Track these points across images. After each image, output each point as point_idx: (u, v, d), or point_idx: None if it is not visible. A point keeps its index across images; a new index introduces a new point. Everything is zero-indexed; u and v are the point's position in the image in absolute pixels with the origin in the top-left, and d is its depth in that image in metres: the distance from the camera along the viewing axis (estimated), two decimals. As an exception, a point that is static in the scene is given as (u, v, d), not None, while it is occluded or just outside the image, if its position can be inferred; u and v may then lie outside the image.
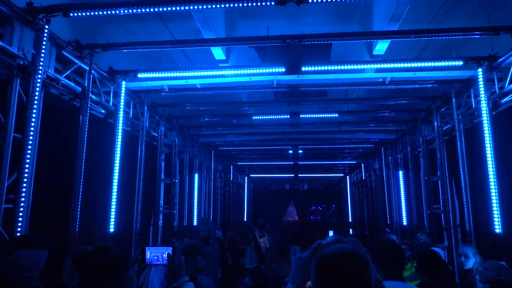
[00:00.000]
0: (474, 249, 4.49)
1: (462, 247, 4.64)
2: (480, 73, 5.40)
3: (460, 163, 6.27)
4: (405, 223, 9.85)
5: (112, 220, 5.24)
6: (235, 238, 7.70)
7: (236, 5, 3.60)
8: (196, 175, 10.26)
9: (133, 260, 2.24)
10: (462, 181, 6.22)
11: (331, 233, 12.19)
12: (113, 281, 1.62)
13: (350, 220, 19.07)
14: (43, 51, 3.97)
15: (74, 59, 4.77)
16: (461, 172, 6.24)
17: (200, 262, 3.34)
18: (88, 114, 4.78)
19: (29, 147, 3.76)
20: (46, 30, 4.01)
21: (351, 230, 16.61)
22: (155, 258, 2.18)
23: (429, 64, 5.55)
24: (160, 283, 4.06)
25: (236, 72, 5.45)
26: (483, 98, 5.39)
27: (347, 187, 20.57)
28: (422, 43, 6.52)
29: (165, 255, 2.12)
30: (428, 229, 7.79)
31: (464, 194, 6.21)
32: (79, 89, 4.80)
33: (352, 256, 1.35)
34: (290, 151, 13.06)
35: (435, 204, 7.72)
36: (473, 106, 6.05)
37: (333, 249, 1.40)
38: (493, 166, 5.25)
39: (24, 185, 3.67)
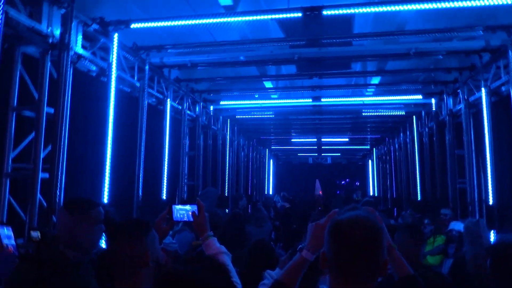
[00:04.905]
0: None
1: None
2: None
3: (486, 137, 6.14)
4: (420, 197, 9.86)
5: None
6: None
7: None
8: (220, 149, 10.48)
9: (161, 218, 2.39)
10: (487, 156, 6.11)
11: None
12: (136, 242, 1.79)
13: (372, 194, 19.02)
14: (70, 29, 4.14)
15: (99, 36, 4.93)
16: (487, 146, 6.12)
17: None
18: (114, 89, 4.97)
19: (62, 120, 3.99)
20: (72, 9, 4.15)
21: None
22: (181, 216, 2.32)
23: (457, 34, 5.38)
24: (185, 247, 4.31)
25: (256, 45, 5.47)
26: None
27: (371, 161, 20.41)
28: (452, 12, 6.27)
29: (190, 213, 2.24)
30: (451, 204, 7.75)
31: (489, 169, 6.11)
32: (105, 65, 4.98)
33: (365, 223, 1.38)
34: (313, 126, 13.03)
35: (460, 178, 7.63)
36: (502, 77, 5.83)
37: (347, 216, 1.44)
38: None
39: (59, 157, 3.93)
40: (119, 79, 5.31)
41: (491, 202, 6.05)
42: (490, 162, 6.08)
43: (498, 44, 5.56)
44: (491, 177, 6.05)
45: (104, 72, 5.05)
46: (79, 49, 4.52)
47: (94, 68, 4.93)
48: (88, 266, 2.42)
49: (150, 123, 6.40)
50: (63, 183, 4.03)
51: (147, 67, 6.00)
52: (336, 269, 1.39)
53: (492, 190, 6.02)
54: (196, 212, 2.19)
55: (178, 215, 2.28)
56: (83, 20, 4.59)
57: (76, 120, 4.58)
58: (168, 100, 6.91)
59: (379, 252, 1.36)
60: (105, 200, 4.63)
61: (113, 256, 1.82)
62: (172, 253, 4.46)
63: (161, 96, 6.88)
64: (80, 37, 4.57)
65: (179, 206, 2.29)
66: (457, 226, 5.92)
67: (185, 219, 2.25)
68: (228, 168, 11.58)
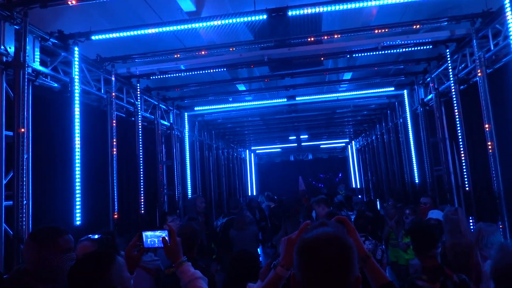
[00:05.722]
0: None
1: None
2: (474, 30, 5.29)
3: (458, 124, 6.23)
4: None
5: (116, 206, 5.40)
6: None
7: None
8: (197, 155, 10.33)
9: (131, 245, 2.28)
10: (460, 142, 6.21)
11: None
12: (100, 278, 1.68)
13: (354, 186, 19.21)
14: (25, 45, 3.93)
15: (59, 50, 4.72)
16: (459, 133, 6.21)
17: None
18: (79, 104, 4.77)
19: (22, 143, 3.78)
20: (26, 24, 3.94)
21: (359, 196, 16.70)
22: (152, 243, 2.21)
23: (423, 25, 5.43)
24: (168, 262, 4.16)
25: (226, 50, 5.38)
26: (477, 57, 5.29)
27: (350, 154, 20.65)
28: (416, 5, 6.34)
29: (161, 239, 2.14)
30: (430, 192, 7.86)
31: (463, 155, 6.20)
32: (67, 80, 4.78)
33: (333, 241, 1.33)
34: (291, 125, 13.03)
35: (436, 166, 7.74)
36: (469, 65, 5.93)
37: (314, 234, 1.37)
38: (492, 125, 5.20)
39: (22, 182, 3.72)
40: (84, 93, 5.11)
41: (467, 188, 6.15)
42: (463, 148, 6.18)
43: (463, 34, 5.65)
44: (466, 163, 6.15)
45: (68, 87, 4.84)
46: (37, 66, 4.30)
47: (56, 84, 4.72)
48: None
49: (123, 136, 6.22)
50: (30, 209, 3.83)
51: (113, 79, 5.80)
52: None
53: (467, 176, 6.12)
54: (167, 238, 2.08)
55: (149, 241, 2.17)
56: (40, 35, 4.37)
57: (42, 140, 4.37)
58: (139, 110, 6.71)
59: (349, 270, 1.30)
60: (78, 221, 4.43)
61: None
62: (154, 271, 4.31)
63: (131, 107, 6.68)
64: (37, 53, 4.35)
65: (150, 233, 2.18)
66: (435, 214, 5.99)
67: (157, 245, 2.14)
68: (209, 173, 11.45)
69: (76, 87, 4.71)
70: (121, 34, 4.79)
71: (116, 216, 5.55)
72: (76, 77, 4.73)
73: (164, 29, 4.72)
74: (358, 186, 18.86)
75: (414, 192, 9.02)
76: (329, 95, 9.17)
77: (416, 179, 8.91)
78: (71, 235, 2.34)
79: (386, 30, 5.59)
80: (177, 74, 6.68)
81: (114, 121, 5.64)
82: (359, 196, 15.68)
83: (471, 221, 5.78)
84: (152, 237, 2.21)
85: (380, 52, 6.28)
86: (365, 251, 1.73)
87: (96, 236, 2.92)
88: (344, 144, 22.06)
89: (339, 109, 11.07)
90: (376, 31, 5.64)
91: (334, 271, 1.29)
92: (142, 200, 6.51)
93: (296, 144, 20.05)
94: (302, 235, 1.45)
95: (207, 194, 11.04)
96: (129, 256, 2.21)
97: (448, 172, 7.24)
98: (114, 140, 5.65)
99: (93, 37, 4.73)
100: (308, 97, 9.17)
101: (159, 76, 6.48)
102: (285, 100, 8.94)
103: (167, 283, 3.70)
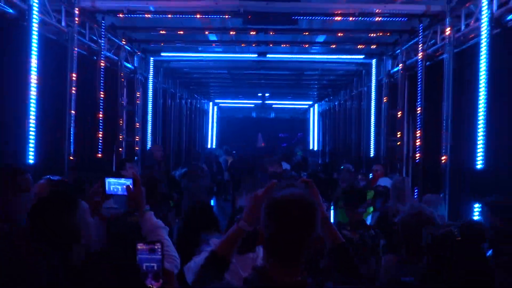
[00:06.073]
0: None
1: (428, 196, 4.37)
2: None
3: (419, 98, 6.49)
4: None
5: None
6: None
7: None
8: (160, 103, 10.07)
9: (93, 191, 2.24)
10: (418, 116, 6.50)
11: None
12: (64, 218, 1.65)
13: (311, 148, 19.79)
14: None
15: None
16: (418, 107, 6.49)
17: None
18: (37, 35, 4.40)
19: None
20: None
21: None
22: (115, 190, 2.17)
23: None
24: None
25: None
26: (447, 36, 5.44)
27: (312, 117, 21.04)
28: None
29: (125, 187, 2.10)
30: (383, 160, 8.30)
31: (418, 129, 6.52)
32: (25, 7, 4.35)
33: (302, 201, 1.38)
34: (257, 81, 12.92)
35: (393, 137, 8.11)
36: (438, 42, 6.09)
37: (283, 194, 1.42)
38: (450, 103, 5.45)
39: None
40: (43, 24, 4.70)
41: (417, 160, 6.54)
42: (420, 122, 6.49)
43: (438, 10, 5.74)
44: (420, 137, 6.49)
45: (25, 15, 4.41)
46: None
47: (11, 10, 4.28)
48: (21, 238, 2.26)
49: (83, 75, 5.88)
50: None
51: (76, 11, 5.37)
52: (271, 247, 1.39)
53: (419, 149, 6.48)
54: (132, 186, 2.05)
55: (112, 188, 2.13)
56: None
57: None
58: (102, 49, 6.33)
59: (314, 228, 1.38)
60: (31, 160, 4.25)
61: (42, 231, 1.69)
62: (111, 218, 4.30)
63: (94, 46, 6.28)
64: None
65: (113, 180, 2.13)
66: (384, 181, 6.39)
67: (119, 193, 2.11)
68: (170, 122, 11.25)
69: (35, 16, 4.31)
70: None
71: (71, 158, 5.38)
72: (35, 4, 4.32)
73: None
74: (315, 149, 19.42)
75: (368, 159, 9.46)
76: (300, 56, 9.13)
77: (372, 147, 9.32)
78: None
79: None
80: (145, 16, 6.27)
81: (74, 58, 5.29)
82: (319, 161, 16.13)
83: (415, 191, 6.20)
84: (116, 184, 2.18)
85: (356, 19, 6.26)
86: (325, 213, 1.83)
87: (56, 178, 2.83)
88: (307, 106, 22.35)
89: (307, 71, 11.08)
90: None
91: (300, 229, 1.35)
92: (100, 144, 6.32)
93: (260, 101, 20.06)
94: (271, 194, 1.50)
95: (167, 143, 10.91)
96: (91, 202, 2.18)
97: (402, 143, 7.62)
98: (74, 78, 5.34)
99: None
100: (279, 56, 9.08)
101: (126, 15, 6.06)
102: (256, 55, 8.79)
103: (125, 230, 3.72)
